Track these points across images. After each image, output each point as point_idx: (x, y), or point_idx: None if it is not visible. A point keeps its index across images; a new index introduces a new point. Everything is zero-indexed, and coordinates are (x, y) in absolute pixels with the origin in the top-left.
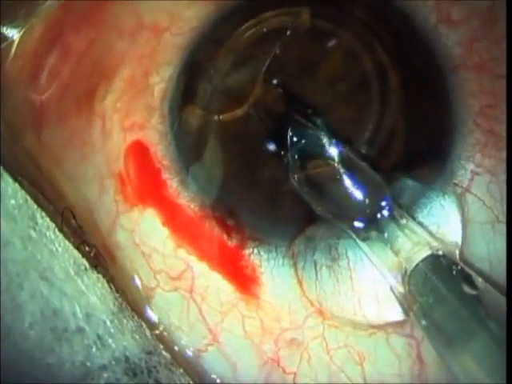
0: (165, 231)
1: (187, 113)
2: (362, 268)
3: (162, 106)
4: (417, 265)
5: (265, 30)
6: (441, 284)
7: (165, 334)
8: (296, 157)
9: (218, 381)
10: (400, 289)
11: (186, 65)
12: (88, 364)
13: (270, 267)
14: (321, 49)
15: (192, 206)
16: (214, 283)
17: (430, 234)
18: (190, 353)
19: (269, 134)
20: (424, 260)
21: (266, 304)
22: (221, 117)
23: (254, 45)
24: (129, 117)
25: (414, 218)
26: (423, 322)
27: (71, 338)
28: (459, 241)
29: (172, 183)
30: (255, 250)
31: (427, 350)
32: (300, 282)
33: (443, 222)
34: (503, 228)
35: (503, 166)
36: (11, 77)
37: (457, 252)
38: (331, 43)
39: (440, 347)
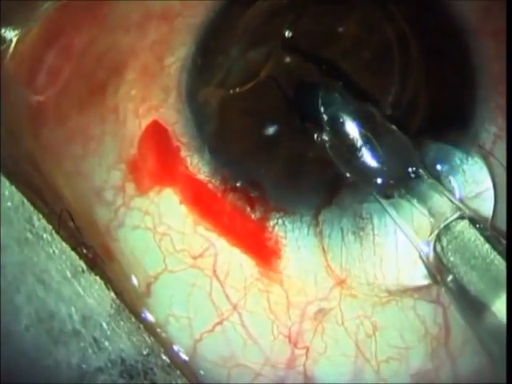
0: (183, 209)
1: (205, 88)
2: (386, 233)
3: (180, 84)
4: (446, 227)
5: (284, 0)
6: (471, 247)
7: (162, 334)
8: (326, 122)
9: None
10: (428, 252)
11: (201, 43)
12: (84, 366)
13: (295, 237)
14: (339, 17)
15: (213, 181)
16: (234, 259)
17: (460, 197)
18: (191, 341)
19: (289, 103)
20: (454, 222)
21: (289, 277)
22: (238, 89)
23: (271, 17)
24: (144, 102)
25: (441, 180)
26: (451, 286)
27: (67, 340)
28: (489, 204)
29: (192, 160)
30: (280, 221)
31: (454, 317)
32: (324, 251)
33: (472, 184)
34: None
35: None
36: (9, 77)
37: (489, 215)
38: (350, 11)
39: (467, 312)
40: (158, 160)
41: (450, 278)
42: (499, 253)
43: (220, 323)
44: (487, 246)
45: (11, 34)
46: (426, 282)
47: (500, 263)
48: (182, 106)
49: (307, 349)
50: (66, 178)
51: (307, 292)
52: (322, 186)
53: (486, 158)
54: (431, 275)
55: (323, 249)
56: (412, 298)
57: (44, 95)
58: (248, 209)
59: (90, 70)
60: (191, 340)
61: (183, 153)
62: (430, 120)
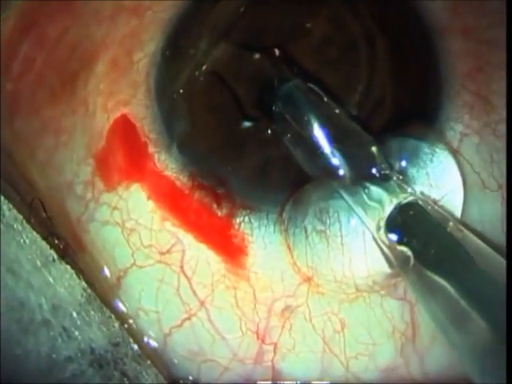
0: (150, 205)
1: (172, 85)
2: (355, 232)
3: (148, 80)
4: (396, 210)
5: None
6: (424, 227)
7: (133, 325)
8: (286, 116)
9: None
10: (384, 241)
11: (169, 38)
12: (54, 356)
13: (262, 235)
14: (307, 13)
15: (180, 178)
16: (201, 255)
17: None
18: (160, 334)
19: (254, 99)
20: (403, 206)
21: (256, 274)
22: (204, 86)
23: (239, 16)
24: (113, 96)
25: (404, 177)
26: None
27: (37, 329)
28: (456, 204)
29: (159, 156)
30: (246, 219)
31: (421, 314)
32: (290, 249)
33: (437, 179)
34: (491, 193)
35: (491, 129)
36: None
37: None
38: (317, 8)
39: (424, 296)
40: (125, 155)
41: (404, 260)
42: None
43: (188, 319)
44: (437, 225)
45: None
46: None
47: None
48: (151, 102)
49: (275, 345)
50: (38, 169)
51: (274, 289)
52: (288, 184)
53: (453, 155)
54: (389, 263)
55: (288, 246)
56: (379, 295)
57: (17, 86)
58: (214, 206)
59: (63, 61)
60: (161, 333)
61: (151, 149)
62: (395, 118)
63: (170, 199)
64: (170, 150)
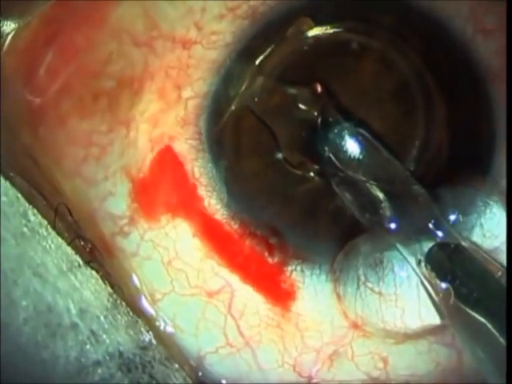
0: (196, 243)
1: (222, 129)
2: (409, 285)
3: (198, 122)
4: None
5: (305, 48)
6: (463, 264)
7: (162, 328)
8: (334, 162)
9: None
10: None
11: (222, 81)
12: (82, 360)
13: (313, 283)
14: (356, 64)
15: (231, 224)
16: (249, 298)
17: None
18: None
19: (298, 141)
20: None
21: (304, 319)
22: (259, 135)
23: (293, 62)
24: (159, 127)
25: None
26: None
27: (65, 333)
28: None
29: (210, 201)
30: (298, 268)
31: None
32: (340, 299)
33: (491, 230)
34: None
35: None
36: (7, 73)
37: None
38: (368, 58)
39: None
40: (172, 190)
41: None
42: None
43: (231, 352)
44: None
45: (9, 28)
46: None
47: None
48: (201, 146)
49: (311, 378)
50: (65, 176)
51: (322, 333)
52: (341, 235)
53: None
54: (440, 314)
55: (339, 296)
56: (427, 342)
57: (42, 94)
58: (266, 254)
59: (93, 74)
60: (194, 353)
61: (200, 191)
62: (449, 170)
63: (218, 241)
64: (221, 196)
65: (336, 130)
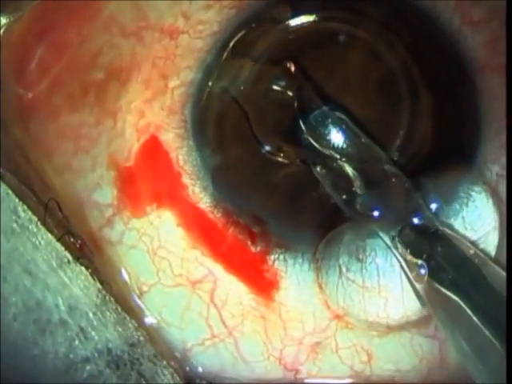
0: (180, 232)
1: (207, 118)
2: (392, 274)
3: (183, 110)
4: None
5: (291, 37)
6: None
7: (149, 325)
8: (315, 147)
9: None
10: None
11: (208, 69)
12: (71, 356)
13: (296, 272)
14: (343, 54)
15: (215, 212)
16: (232, 287)
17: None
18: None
19: (282, 129)
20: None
21: (287, 308)
22: (242, 123)
23: (279, 50)
24: (145, 118)
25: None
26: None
27: (54, 329)
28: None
29: (194, 189)
30: (281, 256)
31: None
32: (322, 288)
33: (476, 223)
34: None
35: None
36: None
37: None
38: (354, 48)
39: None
40: (156, 180)
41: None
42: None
43: (215, 343)
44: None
45: (0, 23)
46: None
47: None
48: (186, 134)
49: (296, 371)
50: (55, 171)
51: (305, 323)
52: (323, 224)
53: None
54: (421, 302)
55: (320, 286)
56: (410, 333)
57: (33, 89)
58: (249, 242)
59: (84, 68)
60: (180, 347)
61: (185, 180)
62: (433, 159)
63: (202, 230)
64: (205, 185)
65: (315, 113)
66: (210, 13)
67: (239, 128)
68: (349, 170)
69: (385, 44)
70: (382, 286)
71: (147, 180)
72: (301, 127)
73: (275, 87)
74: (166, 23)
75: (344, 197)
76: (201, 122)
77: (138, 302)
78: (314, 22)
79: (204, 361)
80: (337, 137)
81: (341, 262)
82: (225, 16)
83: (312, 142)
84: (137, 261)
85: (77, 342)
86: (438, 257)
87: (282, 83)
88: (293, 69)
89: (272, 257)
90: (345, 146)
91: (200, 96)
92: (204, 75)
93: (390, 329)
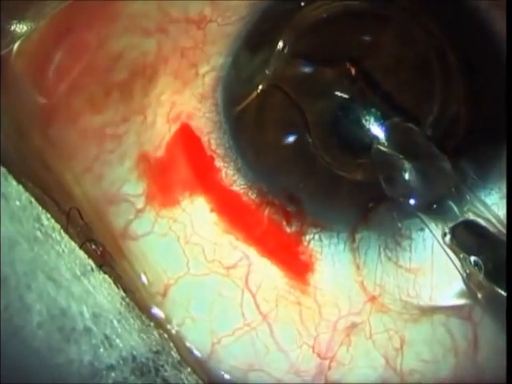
0: (213, 217)
1: (241, 100)
2: (424, 250)
3: (215, 95)
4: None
5: (324, 15)
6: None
7: (174, 331)
8: (367, 141)
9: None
10: (467, 271)
11: (239, 53)
12: (96, 364)
13: (331, 253)
14: (375, 31)
15: (249, 194)
16: (267, 271)
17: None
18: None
19: (335, 128)
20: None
21: (322, 291)
22: (274, 103)
23: (311, 32)
24: (176, 107)
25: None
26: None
27: (79, 337)
28: None
29: (227, 171)
30: (316, 236)
31: (484, 334)
32: (359, 268)
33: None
34: None
35: None
36: (16, 74)
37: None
38: (386, 28)
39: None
40: (189, 167)
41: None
42: None
43: (247, 332)
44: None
45: (21, 31)
46: (458, 302)
47: None
48: (218, 117)
49: (331, 359)
50: (76, 176)
51: (340, 306)
52: (361, 202)
53: None
54: (470, 292)
55: (358, 265)
56: (444, 315)
57: (52, 95)
58: (284, 223)
59: (105, 70)
60: (208, 342)
61: (217, 163)
62: (468, 138)
63: (235, 214)
64: (238, 166)
65: (386, 124)
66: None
67: (274, 109)
68: (406, 165)
69: (417, 26)
70: (414, 264)
71: (180, 168)
72: (367, 134)
73: (333, 91)
74: (192, 13)
75: (388, 179)
76: (233, 104)
77: (162, 304)
78: (344, 5)
79: (233, 353)
80: (407, 145)
81: (380, 241)
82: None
83: (376, 148)
84: (166, 252)
85: (101, 350)
86: (493, 253)
87: (342, 86)
88: (353, 73)
89: (307, 237)
90: (410, 151)
91: (232, 79)
92: (235, 58)
93: (423, 311)
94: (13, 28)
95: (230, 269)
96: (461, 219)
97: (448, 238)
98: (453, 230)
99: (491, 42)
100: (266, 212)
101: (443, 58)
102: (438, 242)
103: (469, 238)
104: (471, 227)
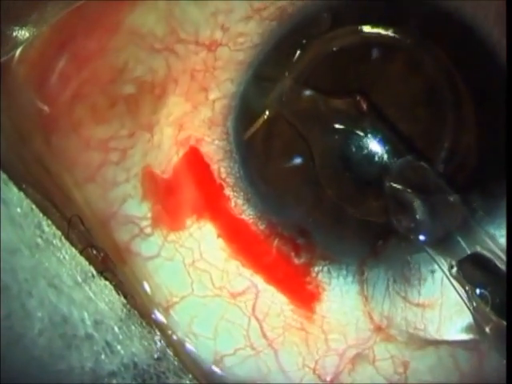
0: (220, 243)
1: (251, 130)
2: (433, 283)
3: (225, 123)
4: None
5: (332, 49)
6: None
7: (175, 338)
8: (376, 176)
9: None
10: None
11: (250, 82)
12: (97, 370)
13: (340, 284)
14: (386, 65)
15: (258, 224)
16: (273, 299)
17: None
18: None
19: (341, 159)
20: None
21: (329, 321)
22: (283, 134)
23: (323, 64)
24: (185, 130)
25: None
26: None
27: (80, 344)
28: None
29: (237, 201)
30: (325, 269)
31: (490, 364)
32: (367, 299)
33: None
34: None
35: None
36: (19, 81)
37: None
38: (394, 61)
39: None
40: (197, 192)
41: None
42: None
43: (248, 354)
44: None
45: (23, 37)
46: (465, 336)
47: None
48: (229, 146)
49: (331, 381)
50: (77, 184)
51: (346, 334)
52: (370, 236)
53: None
54: (478, 326)
55: (366, 297)
56: (450, 346)
57: (54, 102)
58: (293, 254)
59: (108, 81)
60: (210, 358)
61: (227, 192)
62: (479, 172)
63: (244, 242)
64: (248, 196)
65: (399, 162)
66: (249, 25)
67: (285, 142)
68: (417, 202)
69: (427, 55)
70: (422, 298)
71: (187, 192)
72: (375, 172)
73: (343, 124)
74: (202, 36)
75: (397, 216)
76: (245, 134)
77: (163, 317)
78: (354, 34)
79: (235, 371)
80: (419, 183)
81: (389, 274)
82: (266, 28)
83: (388, 184)
84: (170, 273)
85: (103, 357)
86: (500, 287)
87: (351, 119)
88: (364, 108)
89: (316, 269)
90: (422, 189)
91: (243, 108)
92: (247, 87)
93: (429, 342)
94: (14, 34)
95: (238, 296)
96: (468, 252)
97: (455, 270)
98: (460, 263)
99: (502, 71)
100: (275, 243)
101: (454, 88)
102: (445, 274)
103: (475, 271)
104: (478, 260)
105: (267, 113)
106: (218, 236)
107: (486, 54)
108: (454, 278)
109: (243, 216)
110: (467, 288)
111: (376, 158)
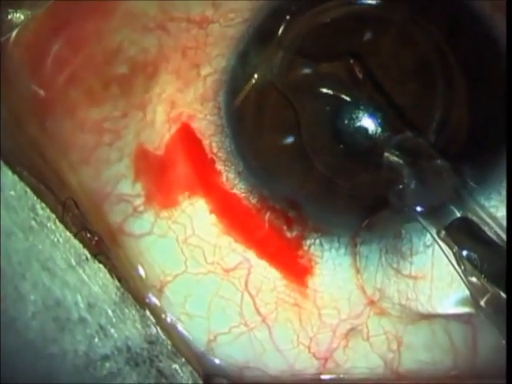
0: (212, 219)
1: (243, 104)
2: (424, 253)
3: (217, 98)
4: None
5: (323, 22)
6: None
7: (169, 321)
8: (370, 148)
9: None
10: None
11: (240, 56)
12: (90, 354)
13: (332, 257)
14: (377, 37)
15: (250, 198)
16: (266, 274)
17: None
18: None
19: (332, 128)
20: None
21: (322, 295)
22: (276, 107)
23: (314, 34)
24: (177, 108)
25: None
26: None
27: (73, 327)
28: None
29: (228, 175)
30: (317, 241)
31: (483, 338)
32: (359, 272)
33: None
34: None
35: None
36: (13, 64)
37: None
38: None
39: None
40: (189, 168)
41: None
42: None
43: (246, 332)
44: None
45: (18, 20)
46: (458, 310)
47: None
48: (220, 121)
49: (326, 359)
50: (72, 167)
51: (340, 309)
52: (362, 207)
53: None
54: (473, 297)
55: (358, 269)
56: (444, 319)
57: (49, 85)
58: (284, 227)
59: (103, 63)
60: (204, 338)
61: (218, 166)
62: (470, 144)
63: (235, 216)
64: (240, 170)
65: (398, 138)
66: (240, 0)
67: (276, 115)
68: (412, 174)
69: (419, 29)
70: (414, 268)
71: (179, 168)
72: (371, 144)
73: (335, 92)
74: (193, 13)
75: (396, 189)
76: (236, 108)
77: (157, 300)
78: (344, 6)
79: (229, 351)
80: (412, 154)
81: (381, 245)
82: (256, 3)
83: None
84: (163, 251)
85: (96, 340)
86: (488, 252)
87: (343, 84)
88: (360, 75)
89: (308, 242)
90: (417, 161)
91: (234, 82)
92: (237, 62)
93: (422, 315)
94: (9, 17)
95: (230, 271)
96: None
97: (443, 233)
98: (448, 225)
99: (494, 45)
100: (267, 216)
101: (445, 60)
102: (432, 236)
103: (463, 235)
104: (466, 224)
105: (255, 76)
106: (211, 212)
107: (477, 29)
108: (442, 240)
109: (235, 190)
110: (455, 250)
111: (370, 130)
